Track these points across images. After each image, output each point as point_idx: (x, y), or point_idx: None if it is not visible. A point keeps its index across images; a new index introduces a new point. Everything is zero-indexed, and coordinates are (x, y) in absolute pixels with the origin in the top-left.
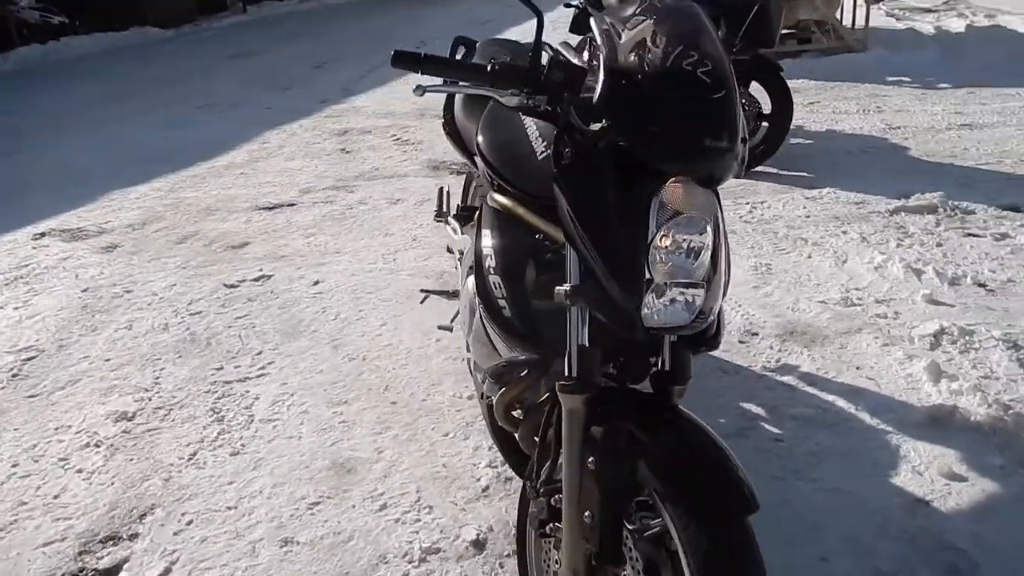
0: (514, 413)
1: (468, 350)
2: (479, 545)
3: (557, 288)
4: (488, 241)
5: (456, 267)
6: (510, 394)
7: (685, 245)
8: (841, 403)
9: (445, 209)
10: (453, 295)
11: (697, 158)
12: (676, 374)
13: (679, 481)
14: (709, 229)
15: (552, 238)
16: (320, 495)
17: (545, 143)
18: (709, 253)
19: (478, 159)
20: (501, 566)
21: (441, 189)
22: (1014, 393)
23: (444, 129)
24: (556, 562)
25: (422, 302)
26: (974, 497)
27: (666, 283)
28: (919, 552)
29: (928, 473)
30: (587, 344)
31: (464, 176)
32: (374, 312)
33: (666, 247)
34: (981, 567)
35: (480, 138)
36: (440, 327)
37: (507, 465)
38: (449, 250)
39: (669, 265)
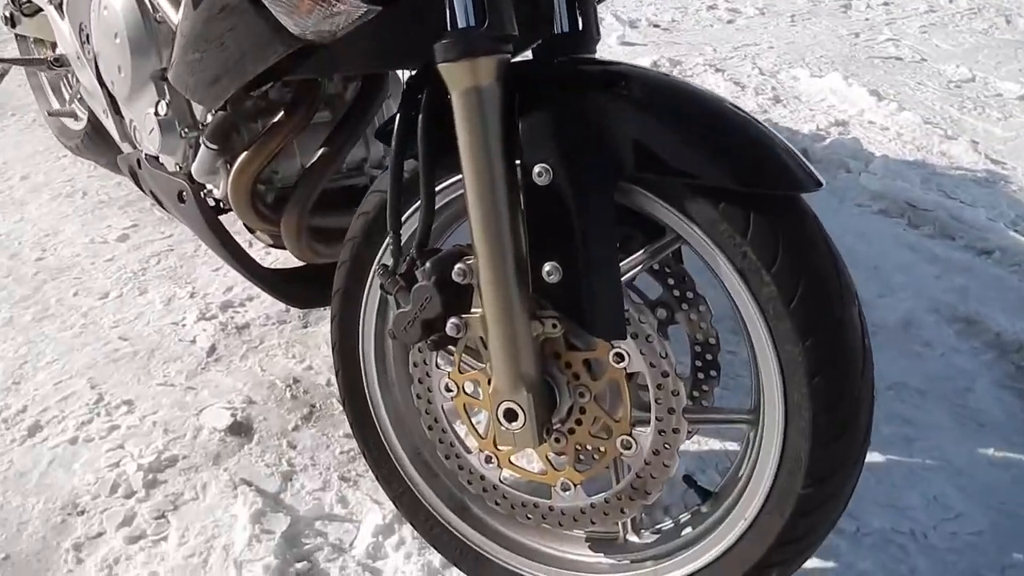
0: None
1: (128, 140)
2: (241, 430)
3: None
4: None
5: (31, 43)
6: (256, 162)
7: None
8: None
9: None
10: (55, 64)
11: None
12: (583, 33)
13: (706, 155)
14: None
15: None
16: None
17: None
18: None
19: None
20: (292, 446)
21: None
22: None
23: None
24: (452, 388)
25: None
26: None
27: None
28: None
29: None
30: None
31: None
32: None
33: None
34: None
35: None
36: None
37: (234, 290)
38: (13, 20)
39: None
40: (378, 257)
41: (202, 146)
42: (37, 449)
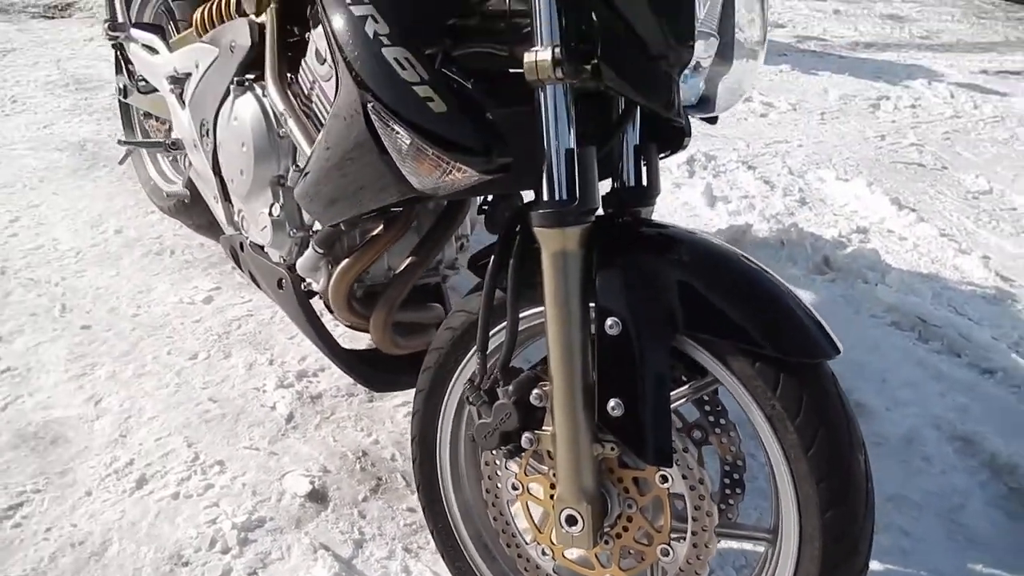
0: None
1: (234, 225)
2: (318, 497)
3: (529, 56)
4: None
5: (135, 111)
6: (356, 268)
7: None
8: None
9: (123, 19)
10: (172, 147)
11: None
12: (647, 188)
13: (746, 322)
14: None
15: None
16: (20, 492)
17: None
18: None
19: None
20: (362, 516)
21: None
22: (774, 208)
23: None
24: (517, 487)
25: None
26: None
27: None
28: None
29: None
30: (575, 145)
31: None
32: None
33: None
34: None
35: None
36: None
37: (316, 370)
38: (125, 91)
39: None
40: (459, 368)
41: (310, 248)
42: (145, 501)
